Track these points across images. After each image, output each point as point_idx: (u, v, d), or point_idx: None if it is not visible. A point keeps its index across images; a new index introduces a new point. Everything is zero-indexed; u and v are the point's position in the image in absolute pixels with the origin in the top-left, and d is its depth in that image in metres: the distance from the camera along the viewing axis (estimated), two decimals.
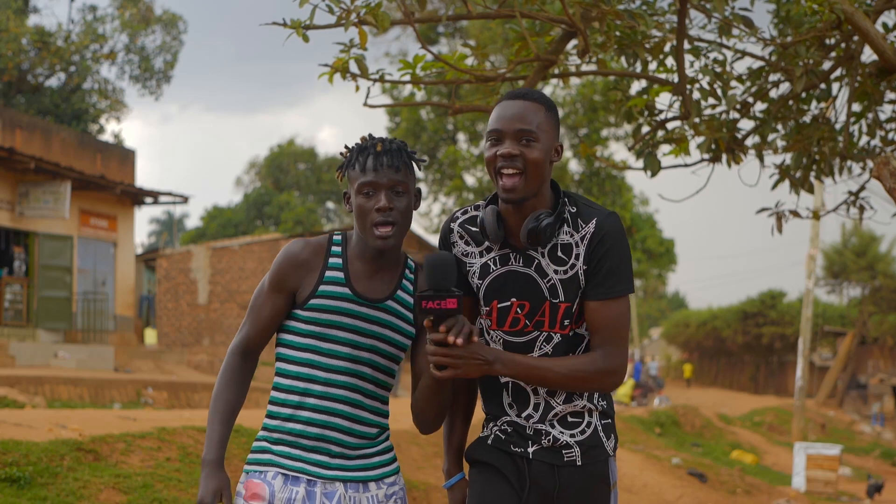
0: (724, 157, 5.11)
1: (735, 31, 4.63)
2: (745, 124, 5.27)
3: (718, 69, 4.64)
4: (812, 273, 20.02)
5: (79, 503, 5.76)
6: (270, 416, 2.59)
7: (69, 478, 5.97)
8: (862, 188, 5.46)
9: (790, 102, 5.14)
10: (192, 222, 60.39)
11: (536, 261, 2.54)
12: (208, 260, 25.12)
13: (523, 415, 2.58)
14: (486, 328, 2.60)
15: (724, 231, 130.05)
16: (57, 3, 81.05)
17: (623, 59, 4.84)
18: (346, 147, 2.60)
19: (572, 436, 2.57)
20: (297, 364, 2.56)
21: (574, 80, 22.71)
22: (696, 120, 4.84)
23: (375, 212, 2.50)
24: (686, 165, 5.22)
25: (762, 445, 22.35)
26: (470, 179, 27.93)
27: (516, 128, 2.48)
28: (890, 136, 5.26)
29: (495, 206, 2.57)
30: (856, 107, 5.08)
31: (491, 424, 2.64)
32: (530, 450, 2.57)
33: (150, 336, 26.21)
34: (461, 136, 28.20)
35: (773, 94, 5.24)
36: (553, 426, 2.56)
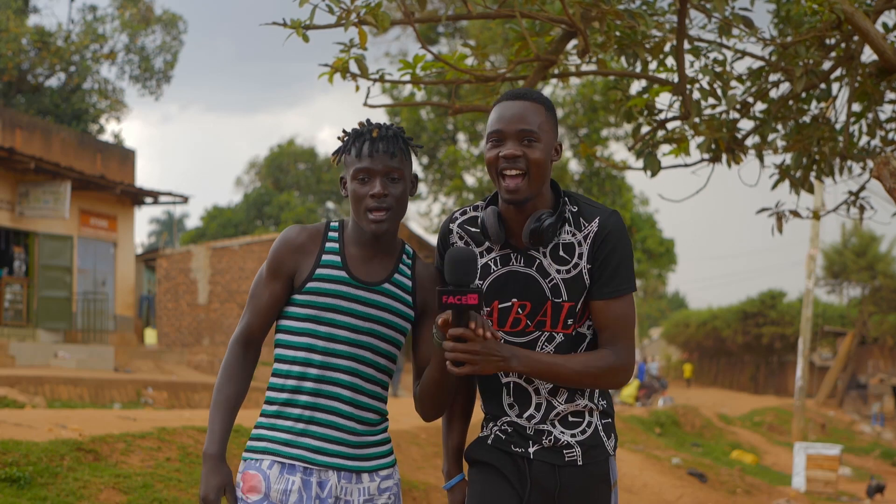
0: (724, 157, 5.11)
1: (735, 31, 4.63)
2: (745, 124, 5.27)
3: (718, 69, 4.64)
4: (812, 273, 20.02)
5: (79, 503, 5.76)
6: (269, 401, 2.59)
7: (69, 478, 5.97)
8: (862, 188, 5.46)
9: (790, 102, 5.14)
10: (192, 222, 60.47)
11: (538, 261, 2.54)
12: (208, 260, 25.12)
13: (525, 415, 2.57)
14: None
15: (724, 231, 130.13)
16: (57, 3, 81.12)
17: (623, 59, 4.84)
18: (344, 131, 2.60)
19: (573, 435, 2.57)
20: (294, 349, 2.56)
21: (574, 80, 22.71)
22: (696, 120, 4.83)
23: (370, 198, 2.51)
24: (686, 165, 5.22)
25: (762, 445, 22.35)
26: (470, 179, 27.94)
27: (518, 128, 2.48)
28: (890, 136, 5.25)
29: (495, 207, 2.57)
30: (856, 107, 5.08)
31: (491, 424, 2.64)
32: (531, 450, 2.57)
33: (150, 336, 26.21)
34: (461, 136, 28.20)
35: (773, 94, 5.24)
36: (554, 426, 2.56)
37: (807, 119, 5.25)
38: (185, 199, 22.62)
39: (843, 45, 4.91)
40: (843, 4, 4.20)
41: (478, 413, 2.74)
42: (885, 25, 4.77)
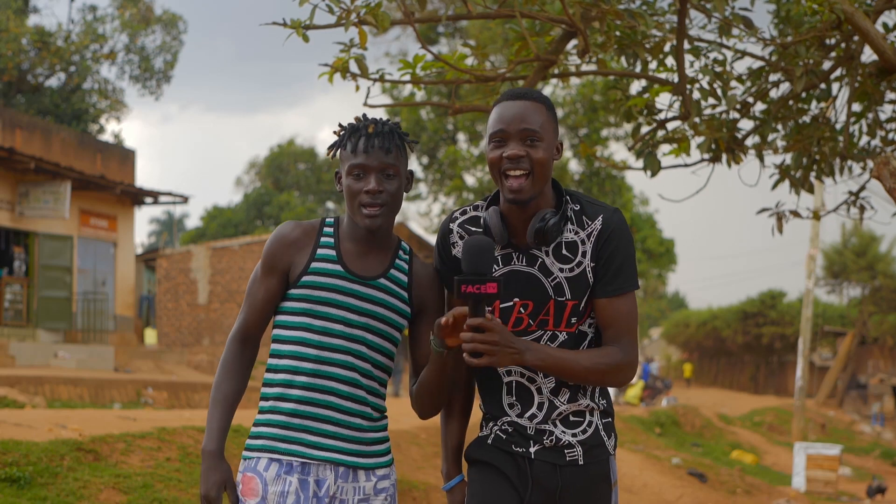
0: (724, 157, 5.11)
1: (735, 31, 4.63)
2: (745, 124, 5.27)
3: (718, 69, 4.64)
4: (812, 273, 20.02)
5: (79, 503, 5.76)
6: (264, 397, 2.59)
7: (69, 478, 5.97)
8: (862, 188, 5.46)
9: (790, 102, 5.14)
10: (192, 222, 60.46)
11: (540, 260, 2.54)
12: (208, 260, 25.12)
13: (527, 414, 2.57)
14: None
15: (724, 231, 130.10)
16: (57, 3, 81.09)
17: (623, 59, 4.84)
18: (340, 126, 2.60)
19: (574, 435, 2.57)
20: (289, 343, 2.56)
21: (574, 80, 22.71)
22: (696, 120, 4.83)
23: (364, 194, 2.51)
24: (686, 165, 5.22)
25: (762, 445, 22.35)
26: (470, 179, 27.93)
27: (521, 128, 2.47)
28: (890, 136, 5.25)
29: (497, 207, 2.56)
30: (856, 107, 5.08)
31: (491, 424, 2.64)
32: (532, 450, 2.57)
33: (150, 336, 26.20)
34: (461, 136, 28.19)
35: (773, 94, 5.24)
36: (555, 426, 2.57)
37: (807, 119, 5.25)
38: (185, 199, 22.62)
39: (843, 45, 4.91)
40: (843, 4, 4.20)
41: (476, 413, 2.74)
42: (885, 25, 4.77)
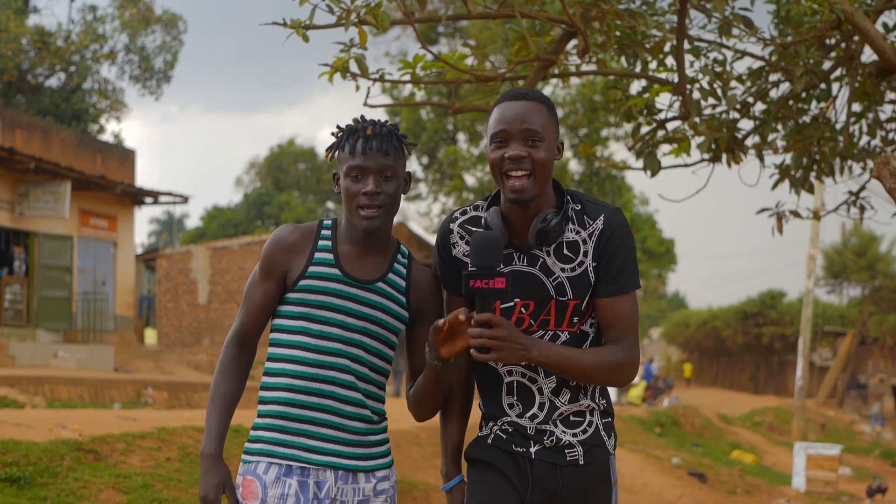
0: (724, 157, 5.11)
1: (735, 31, 4.63)
2: (745, 124, 5.27)
3: (718, 69, 4.64)
4: (812, 273, 20.02)
5: (79, 503, 5.76)
6: (263, 401, 2.59)
7: (69, 478, 5.97)
8: (862, 188, 5.46)
9: (790, 102, 5.14)
10: (192, 222, 60.45)
11: (541, 260, 2.53)
12: (208, 260, 25.12)
13: (528, 414, 2.57)
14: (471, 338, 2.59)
15: (724, 231, 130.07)
16: (57, 3, 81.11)
17: (623, 59, 4.84)
18: (338, 127, 2.59)
19: (574, 435, 2.57)
20: (287, 347, 2.55)
21: (574, 80, 22.71)
22: (696, 120, 4.83)
23: (362, 195, 2.50)
24: (686, 165, 5.22)
25: (762, 445, 22.35)
26: (470, 179, 27.93)
27: (522, 129, 2.47)
28: (890, 136, 5.25)
29: (497, 207, 2.56)
30: (856, 107, 5.08)
31: (491, 424, 2.63)
32: (532, 450, 2.56)
33: (150, 336, 26.21)
34: (461, 136, 28.19)
35: (773, 94, 5.24)
36: (556, 426, 2.56)
37: (807, 119, 5.25)
38: (185, 199, 22.62)
39: (843, 45, 4.91)
40: (843, 4, 4.20)
41: (475, 413, 2.74)
42: (885, 25, 4.77)
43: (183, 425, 7.80)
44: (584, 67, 4.99)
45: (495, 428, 2.62)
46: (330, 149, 2.61)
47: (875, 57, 4.67)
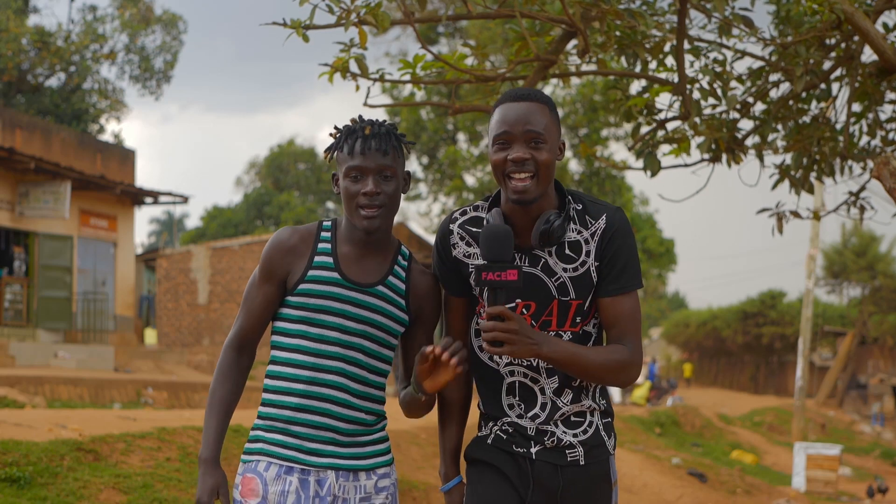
0: (724, 157, 5.11)
1: (735, 31, 4.63)
2: (745, 124, 5.27)
3: (718, 69, 4.64)
4: (812, 273, 20.02)
5: (79, 503, 5.76)
6: (263, 403, 2.59)
7: (69, 478, 5.97)
8: (862, 188, 5.46)
9: (790, 102, 5.14)
10: (192, 222, 60.45)
11: (543, 260, 2.53)
12: (208, 260, 25.12)
13: (529, 415, 2.57)
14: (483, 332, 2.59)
15: (724, 231, 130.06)
16: (57, 3, 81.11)
17: (623, 59, 4.83)
18: (336, 128, 2.59)
19: (575, 435, 2.57)
20: (286, 350, 2.56)
21: (574, 80, 22.71)
22: (696, 120, 4.83)
23: (362, 195, 2.50)
24: (686, 165, 5.22)
25: (762, 445, 22.35)
26: (470, 179, 27.93)
27: (525, 130, 2.46)
28: (890, 136, 5.25)
29: (499, 208, 2.55)
30: (856, 107, 5.08)
31: (491, 424, 2.63)
32: (533, 450, 2.56)
33: (150, 336, 26.20)
34: (461, 136, 28.18)
35: (773, 94, 5.24)
36: (557, 426, 2.56)
37: (807, 119, 5.25)
38: (185, 199, 22.62)
39: (843, 45, 4.91)
40: (843, 4, 4.20)
41: (474, 413, 2.73)
42: (885, 25, 4.77)
43: (183, 425, 7.80)
44: (584, 67, 4.99)
45: (495, 428, 2.61)
46: (329, 150, 2.60)
47: (875, 57, 4.67)
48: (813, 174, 5.25)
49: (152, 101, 68.90)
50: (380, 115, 2.57)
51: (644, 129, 5.10)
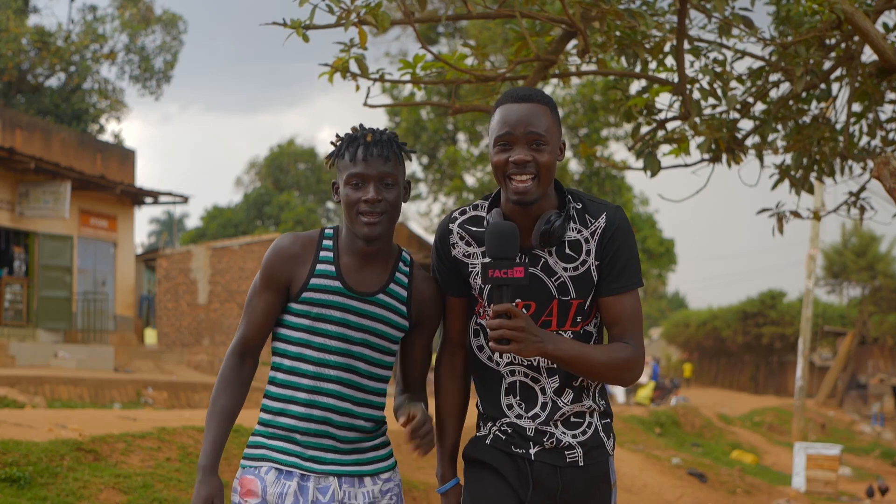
0: (724, 157, 5.11)
1: (735, 31, 4.63)
2: (745, 124, 5.27)
3: (718, 69, 4.64)
4: (812, 273, 20.01)
5: (79, 503, 5.76)
6: (264, 409, 2.59)
7: (69, 478, 5.97)
8: (862, 188, 5.46)
9: (790, 102, 5.14)
10: (192, 222, 60.45)
11: (543, 260, 2.52)
12: (208, 260, 25.11)
13: (529, 414, 2.56)
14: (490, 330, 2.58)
15: (724, 231, 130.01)
16: (57, 3, 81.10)
17: (623, 59, 4.83)
18: (337, 136, 2.58)
19: (574, 436, 2.56)
20: (289, 358, 2.56)
21: (574, 80, 22.71)
22: (696, 120, 4.83)
23: (363, 202, 2.49)
24: (686, 165, 5.22)
25: (762, 445, 22.35)
26: (470, 179, 27.93)
27: (526, 132, 2.45)
28: (890, 136, 5.25)
29: (499, 209, 2.55)
30: (856, 107, 5.08)
31: (489, 425, 2.62)
32: (532, 451, 2.56)
33: (150, 336, 26.20)
34: (461, 136, 28.18)
35: (773, 94, 5.24)
36: (556, 427, 2.56)
37: (807, 119, 5.25)
38: (185, 199, 22.62)
39: (843, 45, 4.91)
40: (843, 4, 4.20)
41: (472, 413, 2.73)
42: (885, 25, 4.77)
43: (183, 425, 7.79)
44: (584, 67, 4.99)
45: (494, 429, 2.61)
46: (329, 157, 2.59)
47: (875, 57, 4.67)
48: (813, 174, 5.25)
49: (152, 101, 68.97)
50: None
51: (644, 129, 5.10)
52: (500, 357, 2.57)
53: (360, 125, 2.58)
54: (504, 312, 2.34)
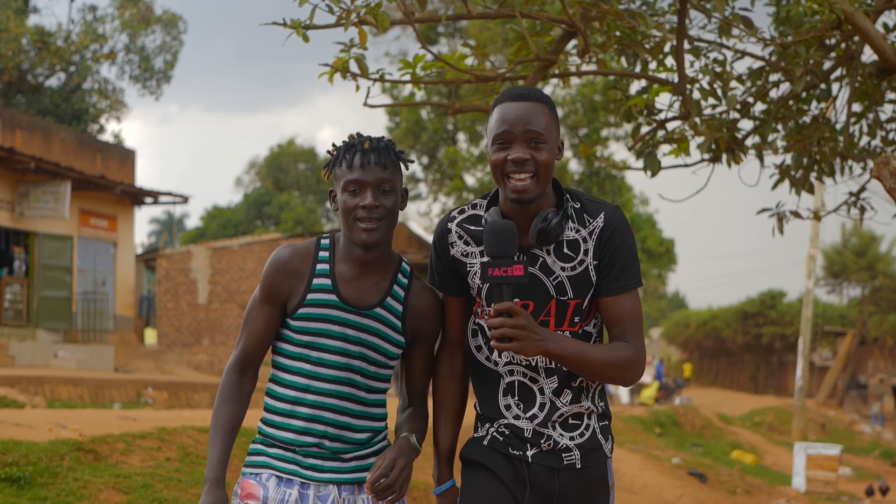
0: (724, 157, 5.11)
1: (735, 31, 4.63)
2: (745, 124, 5.27)
3: (718, 69, 4.64)
4: (812, 273, 20.01)
5: (79, 503, 5.76)
6: (265, 422, 2.60)
7: (69, 478, 5.97)
8: (862, 188, 5.46)
9: (790, 102, 5.14)
10: (192, 222, 60.44)
11: (541, 259, 2.51)
12: (208, 260, 25.12)
13: (528, 415, 2.55)
14: (488, 329, 2.57)
15: (724, 231, 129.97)
16: (57, 3, 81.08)
17: (623, 59, 4.83)
18: (334, 145, 2.58)
19: (571, 438, 2.55)
20: (288, 373, 2.56)
21: (574, 80, 22.71)
22: (696, 120, 4.83)
23: (361, 209, 2.48)
24: (686, 165, 5.22)
25: (762, 445, 22.35)
26: (470, 179, 27.93)
27: (525, 130, 2.45)
28: (890, 136, 5.25)
29: (497, 207, 2.55)
30: (856, 107, 5.08)
31: (487, 426, 2.62)
32: (529, 453, 2.55)
33: (150, 336, 26.21)
34: (461, 136, 28.19)
35: (773, 94, 5.24)
36: (554, 428, 2.55)
37: (807, 119, 5.25)
38: (185, 199, 22.62)
39: (843, 45, 4.91)
40: (843, 4, 4.20)
41: (470, 413, 2.72)
42: (885, 25, 4.77)
43: (183, 425, 7.80)
44: (584, 67, 4.99)
45: (491, 430, 2.60)
46: (327, 166, 2.58)
47: (875, 57, 4.67)
48: (813, 174, 5.25)
49: (152, 101, 68.95)
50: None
51: (644, 129, 5.10)
52: (499, 357, 2.57)
53: (358, 133, 2.57)
54: (505, 311, 2.34)
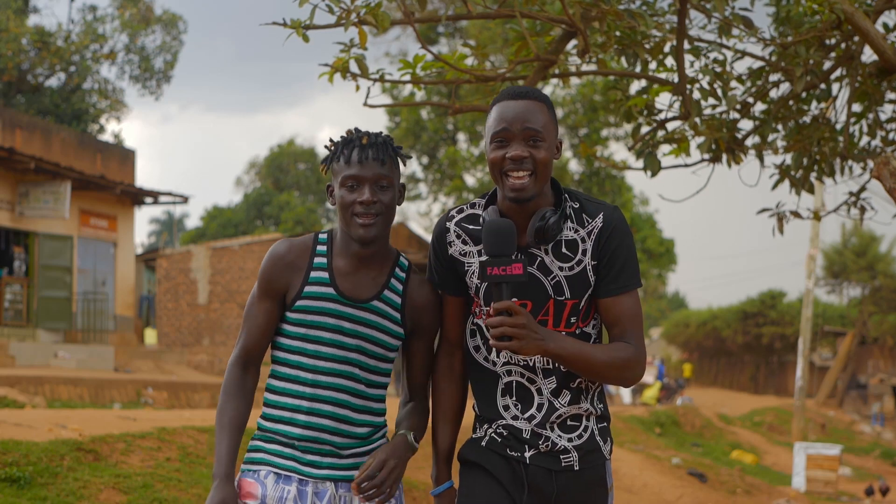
0: (724, 157, 5.11)
1: (735, 31, 4.63)
2: (745, 124, 5.27)
3: (718, 69, 4.64)
4: (812, 273, 20.01)
5: (79, 503, 5.76)
6: (264, 417, 2.60)
7: (69, 478, 5.97)
8: (862, 188, 5.46)
9: (790, 102, 5.14)
10: (192, 222, 60.44)
11: (539, 259, 2.51)
12: (208, 260, 25.11)
13: (526, 415, 2.54)
14: (486, 329, 2.56)
15: (724, 231, 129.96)
16: (57, 3, 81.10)
17: (623, 59, 4.83)
18: (331, 140, 2.58)
19: (570, 440, 2.55)
20: (286, 366, 2.56)
21: (574, 80, 22.71)
22: (696, 120, 4.83)
23: (358, 204, 2.49)
24: (686, 165, 5.22)
25: (762, 445, 22.35)
26: (470, 179, 27.94)
27: (523, 128, 2.45)
28: (890, 136, 5.25)
29: (496, 206, 2.55)
30: (856, 107, 5.08)
31: (485, 426, 2.61)
32: (527, 454, 2.54)
33: (150, 336, 26.20)
34: (461, 136, 28.19)
35: (774, 94, 5.24)
36: (552, 430, 2.54)
37: (807, 119, 5.25)
38: (185, 199, 22.63)
39: (843, 45, 4.91)
40: (843, 4, 4.20)
41: (469, 414, 2.72)
42: (885, 25, 4.77)
43: (183, 425, 7.79)
44: (584, 67, 4.99)
45: (490, 431, 2.59)
46: (325, 161, 2.59)
47: (875, 57, 4.67)
48: (813, 174, 5.25)
49: (152, 101, 68.94)
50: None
51: (644, 129, 5.10)
52: (497, 357, 2.56)
53: (356, 128, 2.58)
54: (505, 310, 2.34)
